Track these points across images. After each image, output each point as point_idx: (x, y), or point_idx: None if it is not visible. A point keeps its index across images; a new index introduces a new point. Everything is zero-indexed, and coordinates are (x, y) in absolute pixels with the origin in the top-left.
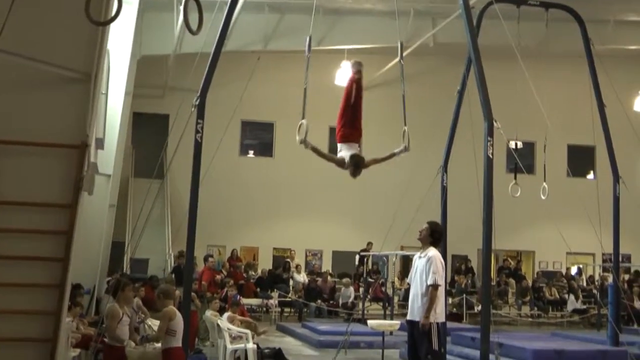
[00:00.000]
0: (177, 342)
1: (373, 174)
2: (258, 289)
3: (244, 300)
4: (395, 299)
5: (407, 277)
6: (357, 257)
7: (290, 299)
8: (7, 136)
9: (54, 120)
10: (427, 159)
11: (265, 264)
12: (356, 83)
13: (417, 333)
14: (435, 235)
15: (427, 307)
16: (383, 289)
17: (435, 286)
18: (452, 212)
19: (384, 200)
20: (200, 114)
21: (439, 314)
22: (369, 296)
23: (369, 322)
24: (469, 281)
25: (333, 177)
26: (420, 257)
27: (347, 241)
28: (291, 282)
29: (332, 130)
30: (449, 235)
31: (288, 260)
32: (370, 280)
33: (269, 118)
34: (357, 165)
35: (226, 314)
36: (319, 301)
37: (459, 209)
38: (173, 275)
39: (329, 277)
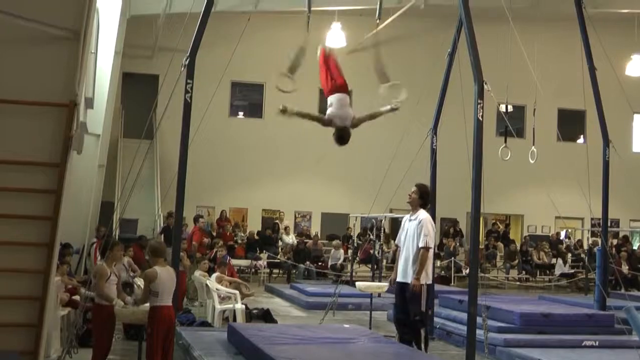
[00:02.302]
0: (162, 301)
1: (363, 136)
2: (247, 251)
3: (233, 262)
4: (384, 261)
5: (394, 239)
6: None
7: (279, 261)
8: None
9: (43, 79)
10: (417, 121)
11: (254, 225)
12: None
13: (407, 295)
14: (424, 197)
15: (418, 269)
16: (372, 251)
17: (426, 248)
18: (442, 175)
19: (374, 163)
20: (190, 74)
21: (427, 276)
22: (357, 258)
23: (357, 284)
24: (458, 244)
25: (323, 139)
26: (410, 219)
27: (336, 203)
28: (280, 244)
29: (322, 92)
30: (438, 199)
31: (277, 221)
32: (358, 242)
33: (259, 79)
34: (341, 138)
35: (215, 275)
36: (308, 263)
37: (448, 172)
38: (162, 236)
39: (319, 240)
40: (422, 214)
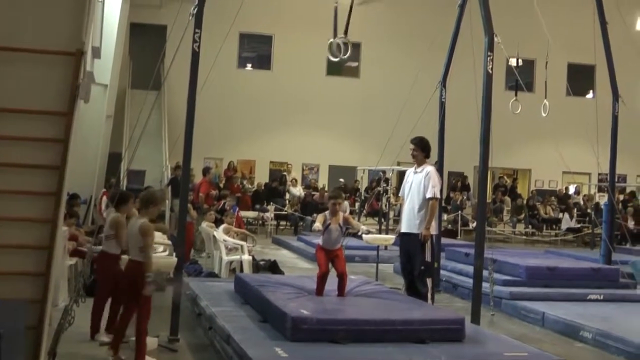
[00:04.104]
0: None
1: (372, 88)
2: (254, 203)
3: (241, 213)
4: (391, 214)
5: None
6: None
7: (286, 213)
8: (1, 42)
9: (49, 27)
10: (426, 74)
11: (261, 177)
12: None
13: (412, 245)
14: (426, 150)
15: (428, 219)
16: (379, 203)
17: (435, 199)
18: (450, 128)
19: (382, 115)
20: (198, 24)
21: (433, 227)
22: (364, 211)
23: (364, 236)
24: (465, 198)
25: (332, 91)
26: (416, 172)
27: (345, 156)
28: (287, 196)
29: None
30: (446, 152)
31: (284, 174)
32: (366, 195)
33: (267, 30)
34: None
35: (222, 226)
36: (315, 215)
37: (456, 126)
38: (169, 187)
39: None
40: (429, 167)
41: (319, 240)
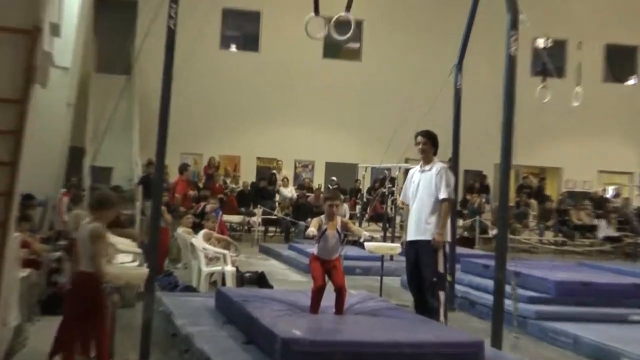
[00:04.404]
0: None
1: (375, 74)
2: (239, 205)
3: (224, 217)
4: (397, 219)
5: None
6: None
7: (275, 217)
8: None
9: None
10: (438, 56)
11: (248, 175)
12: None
13: (421, 254)
14: (436, 145)
15: (442, 223)
16: (383, 206)
17: (450, 200)
18: (466, 120)
19: (387, 105)
20: None
21: (447, 234)
22: (367, 215)
23: (366, 244)
24: (483, 201)
25: (329, 76)
26: (423, 170)
27: (343, 152)
28: (277, 198)
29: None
30: (462, 148)
31: (274, 172)
32: (368, 197)
33: (254, 6)
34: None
35: (201, 232)
36: (309, 220)
37: (474, 117)
38: (140, 187)
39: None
40: (439, 164)
41: (313, 249)
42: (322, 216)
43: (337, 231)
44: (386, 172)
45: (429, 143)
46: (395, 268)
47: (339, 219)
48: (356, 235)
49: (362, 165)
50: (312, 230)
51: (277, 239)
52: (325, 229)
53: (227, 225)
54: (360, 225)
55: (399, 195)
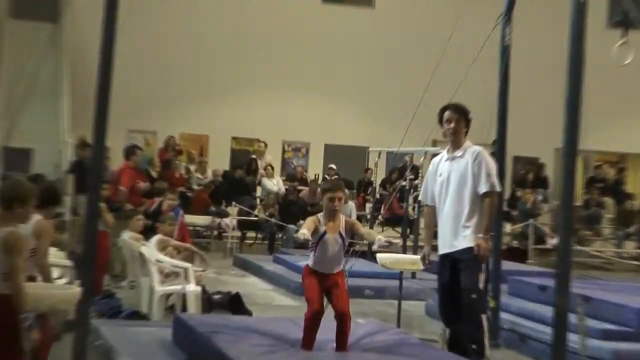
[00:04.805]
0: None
1: (393, 27)
2: (210, 206)
3: (186, 219)
4: (422, 222)
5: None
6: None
7: (256, 219)
8: None
9: None
10: (479, 2)
11: (219, 162)
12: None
13: (461, 268)
14: (469, 123)
15: (486, 224)
16: (402, 205)
17: (494, 193)
18: (517, 88)
19: (408, 68)
20: None
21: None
22: (380, 217)
23: (379, 256)
24: (540, 199)
25: (331, 29)
26: (453, 157)
27: (348, 130)
28: (259, 192)
29: None
30: (512, 126)
31: (255, 157)
32: (383, 192)
33: None
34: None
35: (155, 238)
36: (301, 222)
37: (527, 84)
38: (72, 177)
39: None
40: (474, 147)
41: (308, 261)
42: (320, 214)
43: (340, 235)
44: (407, 158)
45: (462, 120)
46: (419, 289)
47: (342, 218)
48: (367, 240)
49: (374, 150)
50: (304, 232)
51: (258, 249)
52: (324, 232)
53: (191, 229)
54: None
55: None
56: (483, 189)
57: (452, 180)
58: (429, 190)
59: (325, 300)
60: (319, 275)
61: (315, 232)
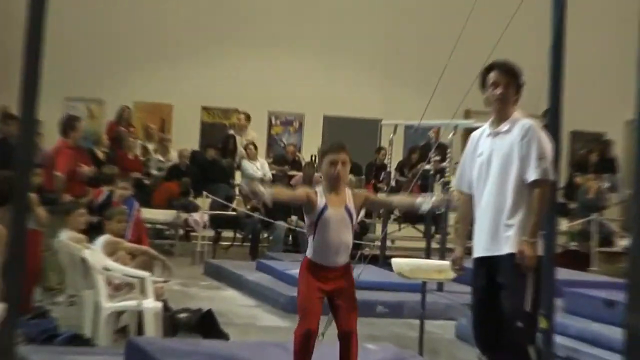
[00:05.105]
0: None
1: None
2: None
3: (142, 213)
4: (452, 216)
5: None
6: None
7: (234, 213)
8: None
9: None
10: None
11: (185, 139)
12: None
13: (499, 279)
14: (520, 87)
15: (534, 222)
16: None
17: (546, 182)
18: (575, 45)
19: (431, 21)
20: None
21: (539, 244)
22: (397, 211)
23: (395, 262)
24: (606, 186)
25: None
26: (496, 132)
27: (355, 99)
28: (238, 178)
29: None
30: (568, 94)
31: (232, 133)
32: (399, 178)
33: None
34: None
35: (102, 239)
36: (294, 219)
37: (588, 42)
38: None
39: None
40: (525, 121)
41: (307, 255)
42: (319, 187)
43: (347, 210)
44: (431, 135)
45: (511, 84)
46: (447, 305)
47: (348, 190)
48: (400, 207)
49: (388, 123)
50: (260, 189)
51: (237, 253)
52: (325, 206)
53: (149, 227)
54: (384, 227)
55: (454, 176)
56: (532, 175)
57: (493, 163)
58: (466, 174)
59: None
60: (319, 272)
61: (311, 207)
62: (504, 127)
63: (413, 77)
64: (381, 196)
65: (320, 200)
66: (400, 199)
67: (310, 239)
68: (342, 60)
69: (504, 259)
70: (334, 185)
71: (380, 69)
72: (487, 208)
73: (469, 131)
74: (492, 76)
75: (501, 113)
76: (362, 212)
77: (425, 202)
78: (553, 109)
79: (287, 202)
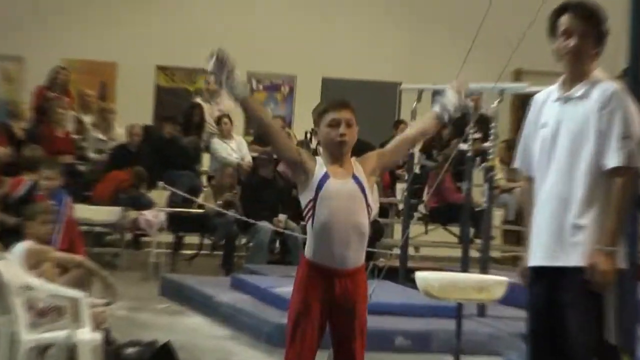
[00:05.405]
0: None
1: None
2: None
3: (80, 211)
4: (498, 214)
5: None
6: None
7: (201, 211)
8: None
9: None
10: None
11: (135, 111)
12: None
13: (566, 299)
14: (602, 36)
15: (612, 225)
16: (461, 186)
17: (631, 169)
18: None
19: None
20: None
21: (620, 253)
22: (422, 207)
23: (420, 276)
24: None
25: None
26: (568, 97)
27: (364, 56)
28: (206, 164)
29: None
30: None
31: (199, 102)
32: (426, 162)
33: None
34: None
35: (22, 246)
36: (283, 217)
37: None
38: None
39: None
40: (606, 84)
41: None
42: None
43: (356, 180)
44: (469, 103)
45: (589, 34)
46: (491, 335)
47: (354, 162)
48: (425, 132)
49: (409, 87)
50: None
51: (204, 265)
52: (325, 175)
53: (86, 230)
54: (405, 229)
55: (498, 160)
56: (612, 161)
57: (560, 139)
58: (529, 150)
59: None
60: (323, 280)
61: (305, 174)
62: (578, 90)
63: (443, 24)
64: (394, 141)
65: (319, 168)
66: (418, 127)
67: (308, 226)
68: (346, 7)
69: (570, 272)
70: (337, 155)
71: (399, 14)
72: (548, 201)
73: (520, 98)
74: (564, 21)
75: (575, 71)
76: (376, 201)
77: (446, 107)
78: (633, 67)
79: (265, 134)
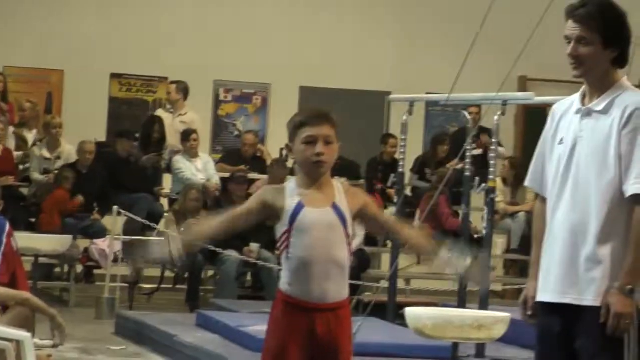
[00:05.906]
0: None
1: None
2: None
3: (24, 241)
4: (500, 242)
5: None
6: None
7: (163, 239)
8: None
9: None
10: None
11: (86, 125)
12: None
13: (583, 344)
14: (623, 41)
15: (632, 260)
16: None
17: None
18: None
19: None
20: None
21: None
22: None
23: (411, 312)
24: None
25: None
26: (588, 112)
27: (348, 63)
28: (168, 185)
29: None
30: None
31: (158, 115)
32: (418, 183)
33: None
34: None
35: None
36: (255, 247)
37: None
38: None
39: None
40: (630, 97)
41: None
42: (289, 182)
43: (336, 209)
44: (466, 115)
45: (596, 39)
46: None
47: (337, 185)
48: (415, 248)
49: (400, 98)
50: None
51: (166, 300)
52: (299, 205)
53: (29, 261)
54: (393, 259)
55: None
56: (632, 188)
57: (577, 157)
58: (543, 168)
59: None
60: (301, 318)
61: (276, 215)
62: (599, 104)
63: (437, 26)
64: (388, 215)
65: (290, 201)
66: (415, 237)
67: (283, 258)
68: (329, 3)
69: (586, 311)
70: (314, 176)
71: (386, 15)
72: (562, 228)
73: (525, 110)
74: (567, 26)
75: (591, 81)
76: (360, 231)
77: (454, 262)
78: None
79: (235, 231)
